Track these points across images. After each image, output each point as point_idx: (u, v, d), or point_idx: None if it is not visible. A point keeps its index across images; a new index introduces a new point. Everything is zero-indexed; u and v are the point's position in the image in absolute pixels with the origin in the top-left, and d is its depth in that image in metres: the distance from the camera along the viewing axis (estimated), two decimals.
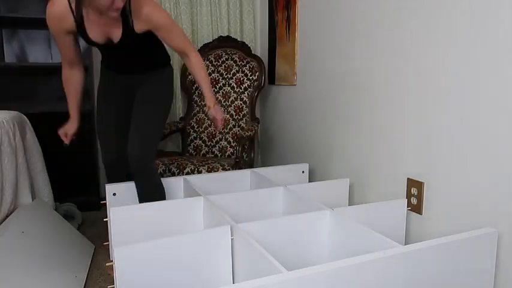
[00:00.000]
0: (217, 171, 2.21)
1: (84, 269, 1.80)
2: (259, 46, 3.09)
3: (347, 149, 2.04)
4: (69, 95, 1.82)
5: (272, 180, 1.87)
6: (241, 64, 2.73)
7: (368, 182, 1.89)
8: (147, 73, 1.82)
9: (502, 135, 1.26)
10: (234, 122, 2.70)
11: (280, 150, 2.81)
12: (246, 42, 2.90)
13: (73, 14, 1.54)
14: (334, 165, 2.15)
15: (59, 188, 2.50)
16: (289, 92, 2.63)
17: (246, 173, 2.07)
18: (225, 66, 2.75)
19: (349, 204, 1.99)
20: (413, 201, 1.60)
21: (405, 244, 1.54)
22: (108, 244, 1.74)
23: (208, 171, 2.19)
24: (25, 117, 2.11)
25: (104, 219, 1.66)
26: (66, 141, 1.81)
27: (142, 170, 1.71)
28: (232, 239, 1.30)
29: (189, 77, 2.78)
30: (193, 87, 2.78)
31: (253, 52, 2.84)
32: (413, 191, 1.60)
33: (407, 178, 1.64)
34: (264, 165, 3.09)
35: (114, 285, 1.18)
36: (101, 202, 1.94)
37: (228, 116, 2.69)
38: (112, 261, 1.18)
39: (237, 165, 2.30)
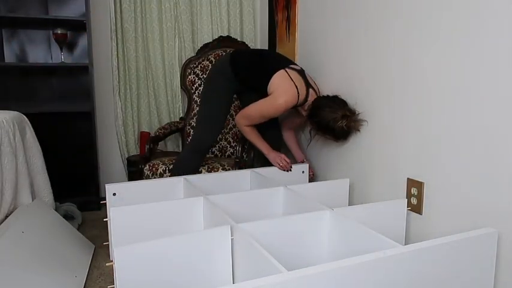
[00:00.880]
0: (217, 171, 2.21)
1: (84, 269, 1.80)
2: (259, 46, 3.09)
3: (347, 149, 2.04)
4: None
5: (272, 180, 1.87)
6: None
7: (368, 182, 1.89)
8: None
9: (502, 135, 1.26)
10: (234, 122, 2.70)
11: (280, 150, 2.80)
12: (246, 42, 2.90)
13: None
14: (334, 165, 2.15)
15: (59, 188, 2.50)
16: None
17: (246, 173, 2.07)
18: None
19: (349, 204, 1.98)
20: (413, 201, 1.60)
21: (405, 244, 1.54)
22: (108, 244, 1.74)
23: (208, 171, 2.19)
24: (25, 117, 2.11)
25: (104, 219, 1.66)
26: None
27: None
28: (232, 239, 1.30)
29: (189, 76, 2.78)
30: (193, 87, 2.78)
31: None
32: (413, 191, 1.60)
33: (407, 178, 1.64)
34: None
35: (114, 285, 1.18)
36: (101, 202, 1.94)
37: (227, 115, 2.69)
38: (112, 261, 1.18)
39: (237, 165, 2.30)
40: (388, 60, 1.72)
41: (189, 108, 2.78)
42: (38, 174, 2.13)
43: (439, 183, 1.50)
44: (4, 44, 2.65)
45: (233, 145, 2.67)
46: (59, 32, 2.55)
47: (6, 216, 1.72)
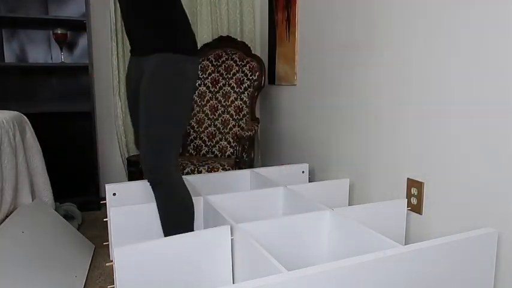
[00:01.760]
0: (217, 171, 2.21)
1: (84, 269, 1.80)
2: (259, 46, 3.09)
3: (347, 149, 2.04)
4: None
5: (272, 180, 1.87)
6: (241, 64, 2.73)
7: (368, 182, 1.89)
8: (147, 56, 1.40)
9: (502, 135, 1.26)
10: (234, 122, 2.70)
11: (280, 150, 2.81)
12: (246, 42, 2.90)
13: None
14: (334, 165, 2.15)
15: (59, 188, 2.50)
16: (289, 92, 2.63)
17: (246, 173, 2.07)
18: (225, 66, 2.75)
19: (349, 204, 1.98)
20: (413, 201, 1.60)
21: (405, 244, 1.54)
22: (108, 244, 1.74)
23: (208, 171, 2.19)
24: (25, 117, 2.11)
25: (104, 219, 1.66)
26: None
27: (154, 182, 1.39)
28: (232, 239, 1.30)
29: None
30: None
31: (253, 52, 2.84)
32: (413, 191, 1.60)
33: (407, 178, 1.64)
34: (264, 165, 3.10)
35: (114, 285, 1.18)
36: (101, 202, 1.94)
37: (228, 116, 2.69)
38: (112, 261, 1.18)
39: (237, 165, 2.30)
40: (388, 60, 1.72)
41: None
42: (38, 174, 2.12)
43: (439, 183, 1.50)
44: (4, 44, 2.65)
45: (233, 145, 2.67)
46: (59, 32, 2.55)
47: (6, 216, 1.72)
